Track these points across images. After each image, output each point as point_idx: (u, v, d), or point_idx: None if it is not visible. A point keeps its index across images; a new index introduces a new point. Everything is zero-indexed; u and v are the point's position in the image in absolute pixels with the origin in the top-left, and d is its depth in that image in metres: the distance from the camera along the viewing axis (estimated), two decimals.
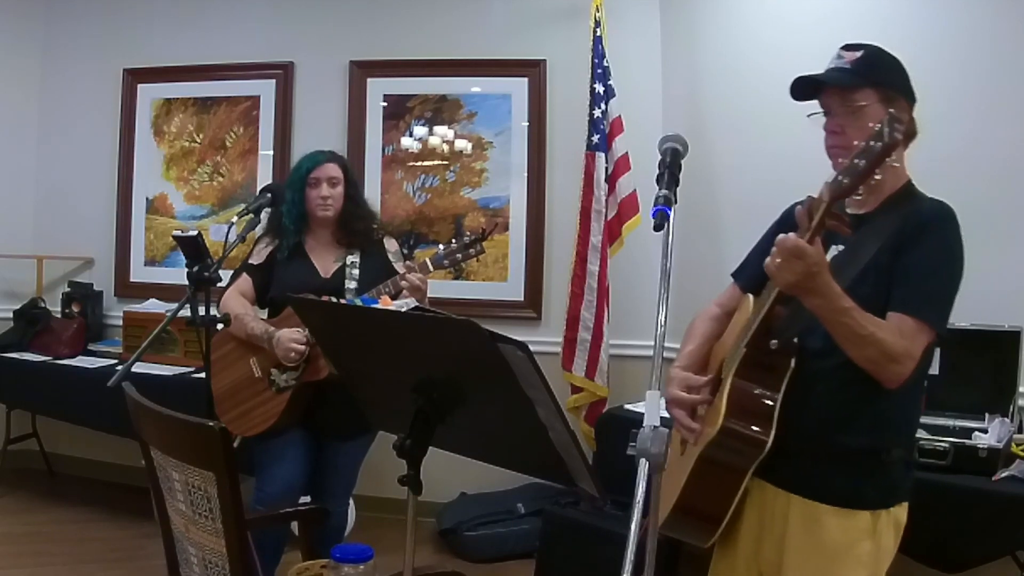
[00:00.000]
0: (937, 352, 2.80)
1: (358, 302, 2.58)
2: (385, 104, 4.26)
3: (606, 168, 3.77)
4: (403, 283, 2.61)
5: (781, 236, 1.43)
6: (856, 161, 1.34)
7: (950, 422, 2.69)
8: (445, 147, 4.21)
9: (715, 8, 3.72)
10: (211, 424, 1.56)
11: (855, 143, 1.41)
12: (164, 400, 1.69)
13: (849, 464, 1.62)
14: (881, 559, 1.65)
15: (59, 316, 4.35)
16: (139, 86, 4.52)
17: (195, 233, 2.58)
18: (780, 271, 1.44)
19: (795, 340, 1.62)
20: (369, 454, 2.85)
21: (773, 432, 1.57)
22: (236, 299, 2.76)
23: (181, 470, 1.67)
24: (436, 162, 4.22)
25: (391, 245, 2.91)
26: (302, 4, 4.36)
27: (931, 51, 2.98)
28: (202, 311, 2.45)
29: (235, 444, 2.56)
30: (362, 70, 4.26)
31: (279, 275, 2.76)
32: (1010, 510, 2.32)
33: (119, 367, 2.60)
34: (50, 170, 4.68)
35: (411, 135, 4.24)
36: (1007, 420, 2.58)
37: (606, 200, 3.76)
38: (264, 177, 4.33)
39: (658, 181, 1.56)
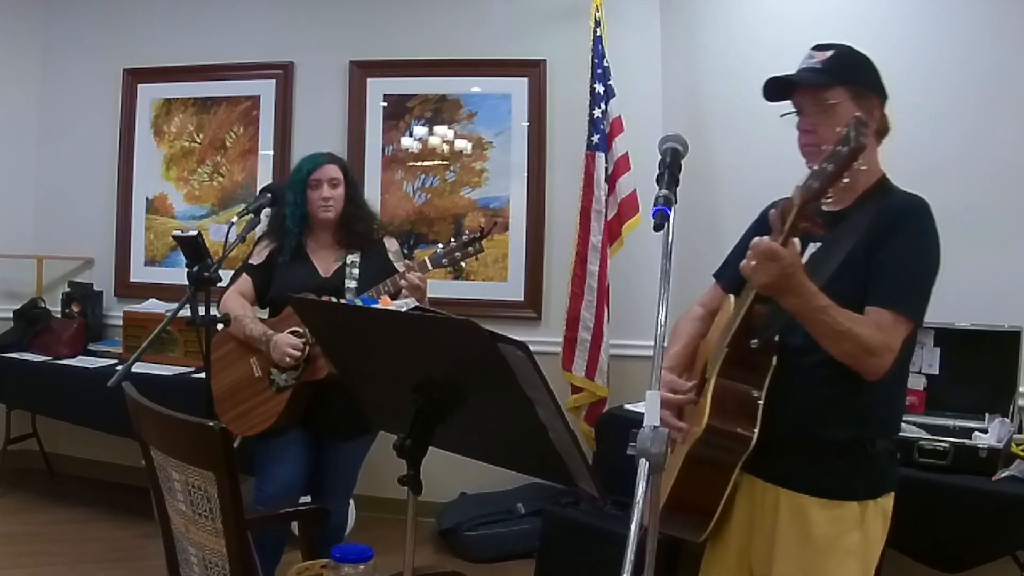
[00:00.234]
0: (937, 352, 2.84)
1: (358, 302, 2.59)
2: (385, 104, 4.26)
3: (606, 168, 3.77)
4: (402, 283, 2.61)
5: (755, 239, 1.47)
6: (824, 165, 1.37)
7: (950, 422, 2.69)
8: (445, 147, 4.21)
9: (715, 8, 3.73)
10: (211, 424, 1.56)
11: (828, 142, 1.45)
12: (164, 400, 1.69)
13: (835, 457, 1.64)
14: (871, 549, 1.67)
15: (59, 316, 4.35)
16: (139, 86, 4.52)
17: (195, 233, 2.58)
18: (755, 273, 1.47)
19: (776, 338, 1.65)
20: (369, 454, 2.85)
21: (758, 429, 1.60)
22: (236, 300, 2.76)
23: (181, 470, 1.67)
24: (436, 162, 4.22)
25: (391, 245, 2.91)
26: (302, 4, 4.36)
27: (931, 51, 2.99)
28: (202, 311, 2.45)
29: (235, 444, 2.56)
30: (362, 70, 4.26)
31: (279, 275, 2.76)
32: (1010, 510, 2.32)
33: (119, 367, 2.60)
34: (50, 170, 4.68)
35: (411, 135, 4.24)
36: (1007, 420, 2.58)
37: (606, 200, 3.76)
38: (264, 177, 4.33)
39: (658, 181, 1.57)
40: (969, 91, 2.91)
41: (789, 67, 1.78)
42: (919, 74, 2.99)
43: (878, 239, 1.61)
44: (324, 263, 2.79)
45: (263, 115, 4.38)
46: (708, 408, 1.61)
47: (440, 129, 4.20)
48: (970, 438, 2.50)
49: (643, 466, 1.26)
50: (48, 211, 4.67)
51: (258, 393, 2.69)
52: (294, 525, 2.58)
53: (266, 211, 2.76)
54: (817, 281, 1.52)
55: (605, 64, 3.78)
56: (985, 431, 2.54)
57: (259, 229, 2.80)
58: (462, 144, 4.19)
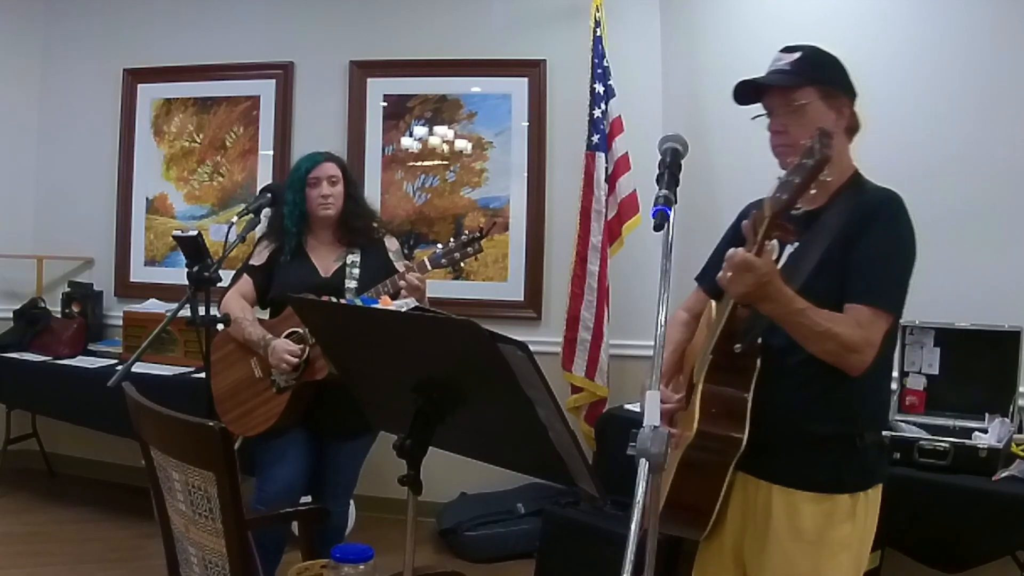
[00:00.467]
0: (937, 352, 2.84)
1: (358, 302, 2.58)
2: (385, 104, 4.26)
3: (606, 168, 3.77)
4: (401, 283, 2.61)
5: (730, 251, 1.50)
6: (791, 178, 1.39)
7: (950, 422, 2.70)
8: (445, 147, 4.21)
9: (715, 8, 3.73)
10: (211, 424, 1.56)
11: (799, 142, 1.51)
12: (164, 400, 1.69)
13: (825, 452, 1.67)
14: (864, 540, 1.70)
15: (59, 316, 4.35)
16: (139, 86, 4.52)
17: (195, 233, 2.58)
18: (732, 284, 1.50)
19: (758, 341, 1.67)
20: (369, 454, 2.85)
21: (747, 430, 1.63)
22: (236, 301, 2.76)
23: (181, 470, 1.67)
24: (436, 162, 4.22)
25: (392, 244, 2.91)
26: (302, 4, 4.36)
27: (931, 51, 2.99)
28: (202, 311, 2.45)
29: (236, 445, 2.56)
30: (362, 70, 4.26)
31: (279, 275, 2.76)
32: (1010, 510, 2.32)
33: (119, 367, 2.60)
34: (50, 170, 4.67)
35: (411, 135, 4.23)
36: (1007, 420, 2.58)
37: (606, 200, 3.76)
38: (264, 177, 4.33)
39: (658, 181, 1.59)
40: (969, 91, 2.91)
41: None
42: (919, 74, 2.99)
43: (853, 237, 1.63)
44: (324, 263, 2.79)
45: (263, 115, 4.38)
46: (697, 414, 1.64)
47: (440, 129, 4.20)
48: (970, 438, 2.50)
49: (643, 466, 1.27)
50: (48, 211, 4.67)
51: (259, 393, 2.69)
52: (294, 525, 2.58)
53: (266, 211, 2.76)
54: (795, 282, 1.56)
55: (605, 64, 3.78)
56: (985, 431, 2.54)
57: (259, 229, 2.80)
58: (462, 144, 4.19)
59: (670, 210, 1.49)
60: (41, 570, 3.37)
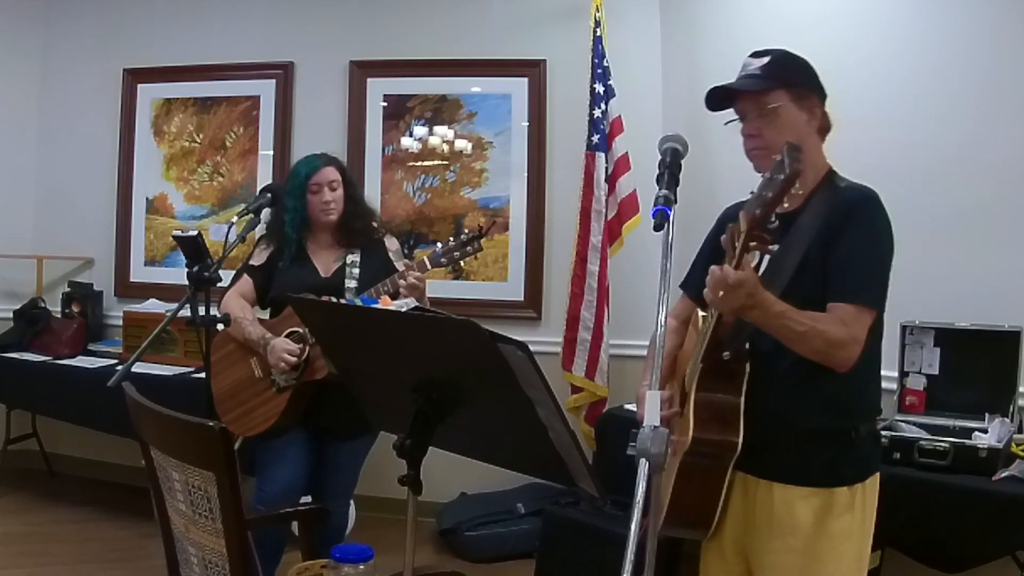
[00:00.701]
0: (937, 352, 2.84)
1: (358, 302, 2.58)
2: (385, 104, 4.26)
3: (606, 168, 3.77)
4: (401, 282, 2.61)
5: (712, 268, 1.52)
6: (764, 193, 1.41)
7: (950, 422, 2.69)
8: (445, 147, 4.21)
9: (715, 8, 3.72)
10: (211, 424, 1.56)
11: (773, 144, 1.61)
12: (164, 400, 1.69)
13: (823, 447, 1.70)
14: (865, 529, 1.73)
15: (59, 316, 4.35)
16: (139, 86, 4.52)
17: (195, 233, 2.58)
18: (721, 302, 1.53)
19: (746, 346, 1.70)
20: (369, 454, 2.85)
21: (741, 433, 1.66)
22: (236, 301, 2.76)
23: (181, 470, 1.67)
24: (436, 162, 4.22)
25: (392, 244, 2.91)
26: (302, 4, 4.36)
27: (931, 51, 2.99)
28: (202, 311, 2.45)
29: (236, 445, 2.56)
30: (362, 70, 4.26)
31: (280, 275, 2.76)
32: (1010, 510, 2.32)
33: (119, 367, 2.60)
34: (50, 170, 4.67)
35: (411, 135, 4.23)
36: (1007, 420, 2.58)
37: (606, 200, 3.76)
38: (264, 177, 4.33)
39: (658, 181, 1.61)
40: (969, 91, 2.91)
41: None
42: (919, 74, 2.99)
43: (831, 237, 1.66)
44: (324, 263, 2.79)
45: (263, 115, 4.38)
46: (692, 422, 1.67)
47: (440, 129, 4.20)
48: (970, 438, 2.50)
49: (643, 466, 1.27)
50: (48, 211, 4.67)
51: (259, 393, 2.69)
52: (294, 525, 2.58)
53: (266, 211, 2.76)
54: (777, 286, 1.59)
55: (605, 64, 3.78)
56: (985, 431, 2.54)
57: (259, 229, 2.80)
58: (462, 144, 4.19)
59: (670, 210, 1.51)
60: (41, 570, 3.37)
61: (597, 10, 3.77)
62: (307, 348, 2.62)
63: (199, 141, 4.48)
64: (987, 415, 2.65)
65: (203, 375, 2.68)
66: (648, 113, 3.89)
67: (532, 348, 1.24)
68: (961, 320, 2.79)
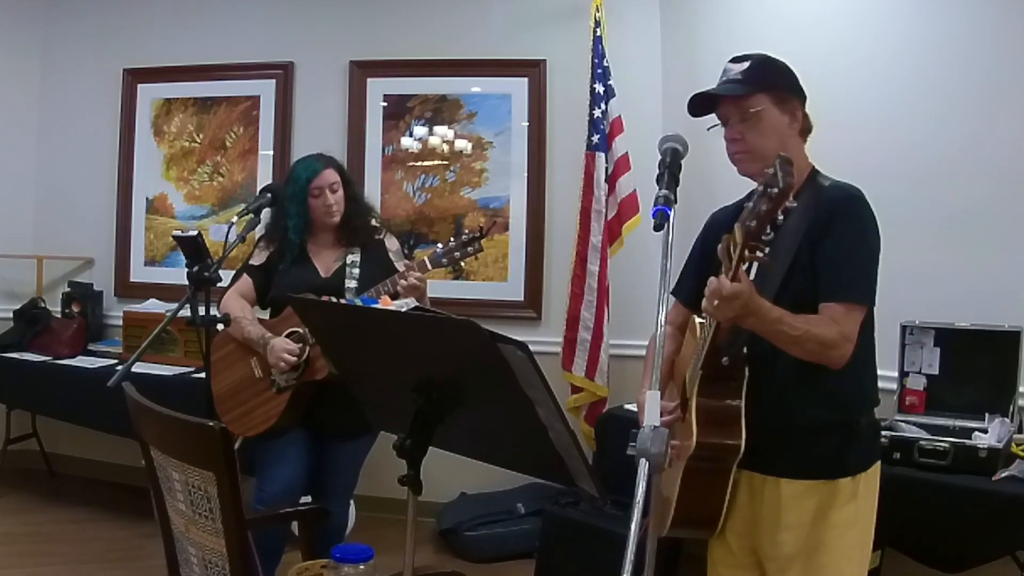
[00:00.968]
0: (937, 352, 2.84)
1: (358, 302, 2.58)
2: (385, 104, 4.26)
3: (606, 168, 3.77)
4: (401, 282, 2.61)
5: (711, 280, 1.53)
6: (759, 207, 1.42)
7: (950, 422, 2.69)
8: (445, 147, 4.21)
9: (715, 8, 3.72)
10: (211, 424, 1.56)
11: (755, 147, 1.69)
12: (164, 400, 1.69)
13: (826, 441, 1.73)
14: (869, 515, 1.77)
15: (59, 316, 4.35)
16: (139, 86, 4.52)
17: (195, 233, 2.58)
18: (718, 311, 1.55)
19: (744, 351, 1.72)
20: (369, 454, 2.85)
21: (743, 435, 1.69)
22: (236, 301, 2.76)
23: (181, 470, 1.67)
24: (436, 162, 4.22)
25: (392, 244, 2.91)
26: (302, 4, 4.36)
27: (931, 51, 2.99)
28: (202, 311, 2.45)
29: (236, 445, 2.56)
30: (362, 70, 4.26)
31: (280, 276, 2.76)
32: (1010, 510, 2.32)
33: (119, 367, 2.60)
34: (50, 170, 4.67)
35: (411, 135, 4.23)
36: (1007, 420, 2.58)
37: (606, 200, 3.76)
38: (264, 177, 4.33)
39: (658, 181, 1.63)
40: (969, 91, 2.91)
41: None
42: (919, 74, 2.99)
43: (818, 237, 1.69)
44: (324, 263, 2.79)
45: (263, 115, 4.38)
46: (695, 427, 1.69)
47: (440, 129, 4.20)
48: (970, 438, 2.50)
49: (643, 466, 1.27)
50: (48, 211, 4.67)
51: (259, 393, 2.69)
52: (294, 525, 2.58)
53: (266, 211, 2.76)
54: (769, 290, 1.62)
55: (605, 64, 3.78)
56: (985, 431, 2.54)
57: (259, 229, 2.80)
58: (462, 144, 4.19)
59: (670, 210, 1.53)
60: (41, 570, 3.37)
61: (597, 10, 3.77)
62: (307, 348, 2.62)
63: (199, 141, 4.48)
64: (987, 415, 2.65)
65: (203, 375, 2.68)
66: (648, 113, 3.89)
67: (532, 348, 1.24)
68: (961, 320, 2.79)
